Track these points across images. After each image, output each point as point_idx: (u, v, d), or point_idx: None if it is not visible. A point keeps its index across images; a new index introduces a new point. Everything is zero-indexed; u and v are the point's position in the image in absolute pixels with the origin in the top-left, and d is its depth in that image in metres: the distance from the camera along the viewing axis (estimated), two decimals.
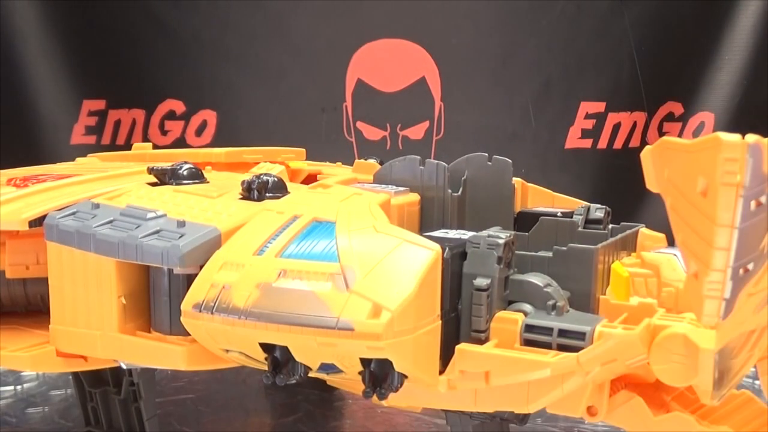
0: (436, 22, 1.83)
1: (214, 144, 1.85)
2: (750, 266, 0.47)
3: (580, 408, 0.58)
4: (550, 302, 0.58)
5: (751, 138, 0.43)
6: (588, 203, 0.84)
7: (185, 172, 0.70)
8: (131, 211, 0.63)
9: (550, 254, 0.63)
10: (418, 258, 0.55)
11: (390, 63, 1.84)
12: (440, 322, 0.56)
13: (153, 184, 0.70)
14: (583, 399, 0.58)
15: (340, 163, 1.01)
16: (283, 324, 0.53)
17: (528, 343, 0.57)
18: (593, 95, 1.86)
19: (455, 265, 0.58)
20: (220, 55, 1.84)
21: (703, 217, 0.46)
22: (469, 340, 0.58)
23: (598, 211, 0.80)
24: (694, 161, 0.45)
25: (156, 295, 0.62)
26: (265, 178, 0.66)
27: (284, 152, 0.91)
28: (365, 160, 0.88)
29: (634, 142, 1.87)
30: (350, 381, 0.59)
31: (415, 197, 0.69)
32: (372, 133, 1.86)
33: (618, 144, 1.88)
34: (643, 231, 0.77)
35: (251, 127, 1.85)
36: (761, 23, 1.82)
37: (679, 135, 1.88)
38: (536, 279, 0.60)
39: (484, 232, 0.59)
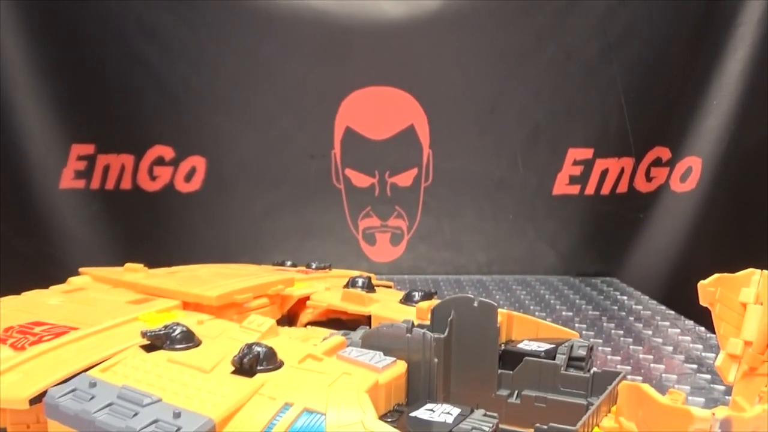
0: (424, 70, 1.84)
1: (203, 190, 1.86)
2: None
3: None
4: None
5: (722, 413, 0.45)
6: (571, 338, 0.86)
7: (178, 336, 0.72)
8: (128, 394, 0.64)
9: None
10: None
11: (378, 110, 1.85)
12: None
13: (148, 347, 0.72)
14: None
15: (329, 271, 1.03)
16: None
17: None
18: (581, 142, 1.88)
19: None
20: (209, 101, 1.84)
21: None
22: None
23: (580, 349, 0.83)
24: (667, 419, 0.48)
25: None
26: (256, 350, 0.68)
27: (273, 285, 0.93)
28: (350, 288, 0.91)
29: (622, 188, 1.89)
30: None
31: (401, 369, 0.70)
32: (360, 180, 1.87)
33: (605, 190, 1.90)
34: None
35: (240, 173, 1.86)
36: (749, 69, 1.83)
37: (667, 180, 1.90)
38: None
39: (468, 424, 0.62)
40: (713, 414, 0.45)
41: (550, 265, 1.96)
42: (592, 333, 1.86)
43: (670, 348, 1.58)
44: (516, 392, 0.81)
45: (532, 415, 0.79)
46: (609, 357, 1.71)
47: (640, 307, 1.85)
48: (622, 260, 1.95)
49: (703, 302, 0.62)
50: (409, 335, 0.72)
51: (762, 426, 0.47)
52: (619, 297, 2.08)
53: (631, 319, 1.97)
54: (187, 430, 0.61)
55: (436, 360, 0.71)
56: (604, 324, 1.93)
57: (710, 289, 0.61)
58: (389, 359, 0.70)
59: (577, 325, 1.91)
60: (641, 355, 1.59)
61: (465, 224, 1.91)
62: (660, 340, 1.63)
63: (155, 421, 0.62)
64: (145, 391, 0.65)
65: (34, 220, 1.83)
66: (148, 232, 1.84)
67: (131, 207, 1.85)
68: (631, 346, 1.66)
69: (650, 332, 1.70)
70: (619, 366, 1.64)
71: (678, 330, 1.67)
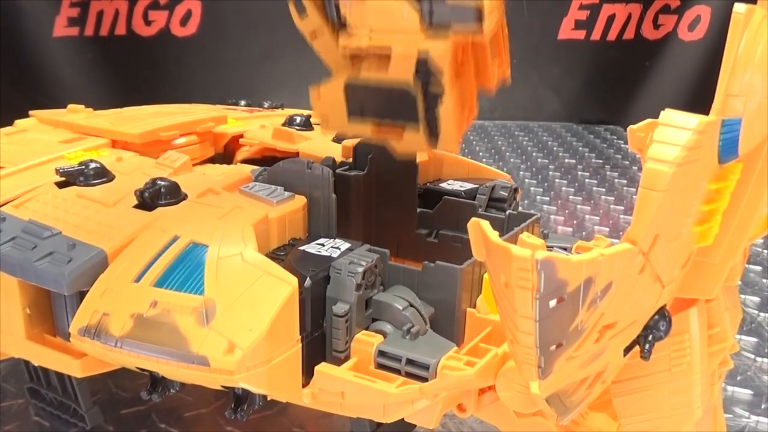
0: None
1: (199, 34, 1.84)
2: (563, 342, 0.49)
3: (434, 420, 0.63)
4: (407, 326, 0.63)
5: (541, 254, 0.44)
6: (496, 180, 0.86)
7: (92, 172, 0.74)
8: (31, 228, 0.67)
9: (420, 268, 0.67)
10: (275, 293, 0.59)
11: None
12: (300, 345, 0.61)
13: (62, 183, 0.74)
14: (435, 413, 0.62)
15: (279, 110, 1.03)
16: (151, 355, 0.59)
17: (381, 366, 0.62)
18: None
19: (319, 288, 0.62)
20: None
21: (509, 303, 0.48)
22: (331, 359, 0.63)
23: (502, 190, 0.82)
24: (496, 257, 0.47)
25: (56, 307, 0.68)
26: (158, 184, 0.70)
27: (202, 122, 0.93)
28: (286, 126, 0.91)
29: (628, 35, 1.82)
30: None
31: (298, 203, 0.71)
32: None
33: (612, 36, 1.82)
34: None
35: (236, 16, 1.83)
36: None
37: (675, 28, 1.81)
38: (397, 302, 0.64)
39: (347, 258, 0.63)
40: (533, 255, 0.44)
41: (553, 112, 1.92)
42: (596, 181, 1.84)
43: None
44: (435, 231, 0.82)
45: (450, 254, 0.79)
46: (612, 206, 1.70)
47: None
48: (626, 108, 1.90)
49: (632, 147, 0.60)
50: (308, 171, 0.72)
51: (602, 271, 0.46)
52: (622, 146, 2.05)
53: (635, 168, 1.94)
54: (78, 260, 0.64)
55: (334, 196, 0.72)
56: (608, 173, 1.91)
57: (639, 134, 0.59)
58: (287, 194, 0.71)
59: (580, 173, 1.89)
60: None
61: None
62: None
63: (51, 253, 0.65)
64: (47, 224, 0.68)
65: (29, 71, 1.83)
66: (144, 79, 1.84)
67: (127, 53, 1.85)
68: (634, 197, 1.64)
69: None
70: (622, 216, 1.64)
71: None
